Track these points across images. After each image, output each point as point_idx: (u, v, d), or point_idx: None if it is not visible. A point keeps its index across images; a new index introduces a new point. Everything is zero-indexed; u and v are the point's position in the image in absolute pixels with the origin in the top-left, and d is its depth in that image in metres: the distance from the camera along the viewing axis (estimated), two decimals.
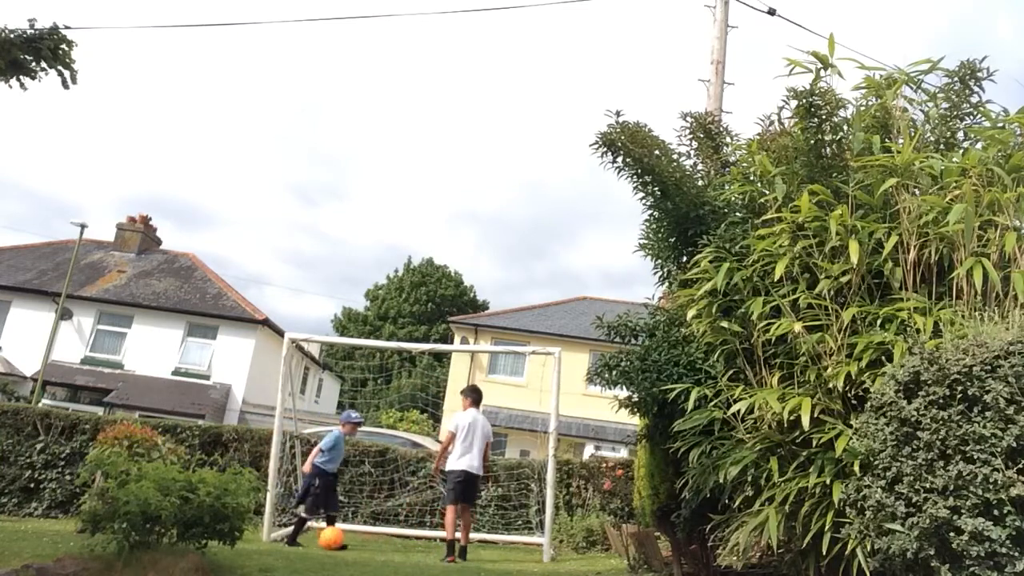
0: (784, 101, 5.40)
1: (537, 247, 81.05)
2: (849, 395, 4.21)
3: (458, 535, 7.98)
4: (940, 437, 3.27)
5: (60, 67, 6.31)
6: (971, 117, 5.28)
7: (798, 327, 4.37)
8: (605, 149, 5.90)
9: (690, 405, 4.90)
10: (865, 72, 5.38)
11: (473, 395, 8.58)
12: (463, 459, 7.98)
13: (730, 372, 4.94)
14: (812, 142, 5.14)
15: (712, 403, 4.86)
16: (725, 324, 4.99)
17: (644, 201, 6.21)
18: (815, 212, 4.61)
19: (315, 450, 9.06)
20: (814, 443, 4.08)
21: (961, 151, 4.86)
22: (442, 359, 31.79)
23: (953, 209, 4.07)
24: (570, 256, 79.65)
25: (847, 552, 3.62)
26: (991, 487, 3.09)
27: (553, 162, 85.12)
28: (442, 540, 9.81)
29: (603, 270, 77.97)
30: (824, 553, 3.78)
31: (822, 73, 5.12)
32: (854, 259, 4.27)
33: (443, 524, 10.45)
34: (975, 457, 3.16)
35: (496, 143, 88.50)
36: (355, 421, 9.45)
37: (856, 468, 3.65)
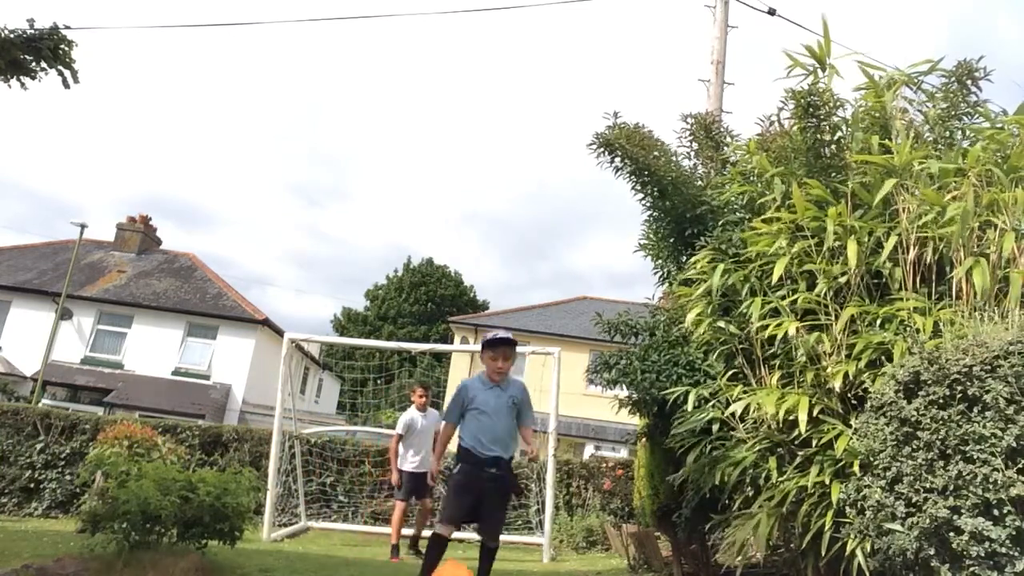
0: (783, 102, 5.40)
1: (541, 248, 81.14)
2: (848, 395, 4.21)
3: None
4: (940, 437, 3.27)
5: (60, 67, 6.32)
6: (969, 117, 5.28)
7: (793, 327, 4.36)
8: (603, 149, 5.91)
9: (689, 406, 4.90)
10: (865, 72, 5.38)
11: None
12: None
13: (730, 372, 4.94)
14: (811, 142, 5.15)
15: (711, 403, 4.86)
16: (722, 324, 4.99)
17: (643, 202, 6.22)
18: (813, 212, 4.61)
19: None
20: (814, 443, 4.08)
21: (958, 151, 4.85)
22: (442, 359, 31.78)
23: (949, 208, 4.07)
24: (574, 257, 79.72)
25: (847, 552, 3.62)
26: (991, 487, 3.09)
27: (557, 162, 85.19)
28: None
29: (607, 271, 78.05)
30: (823, 553, 3.78)
31: (820, 73, 5.13)
32: (852, 260, 4.27)
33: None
34: (975, 457, 3.16)
35: (499, 143, 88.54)
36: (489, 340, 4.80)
37: (856, 468, 3.65)
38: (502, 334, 4.75)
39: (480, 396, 4.64)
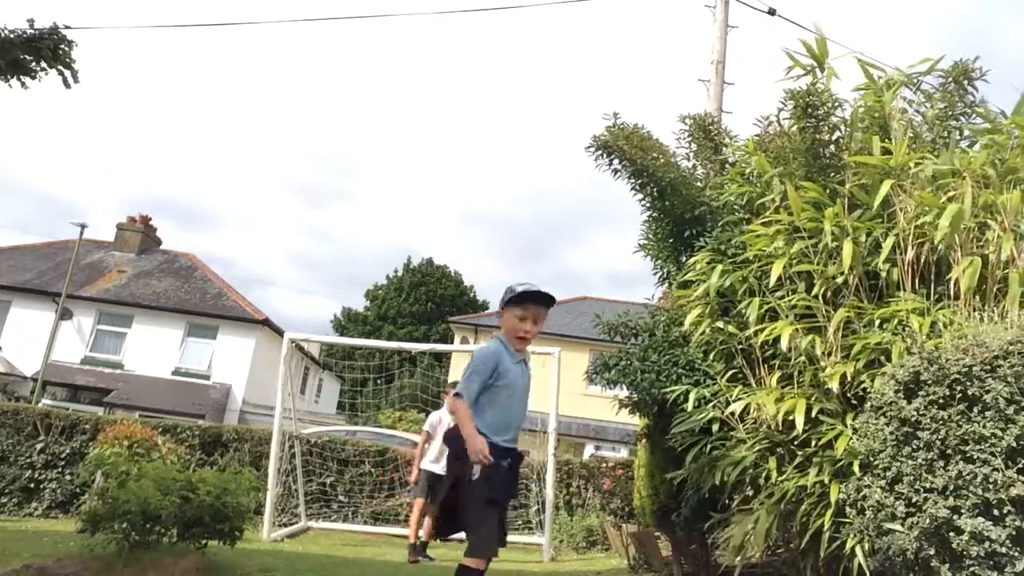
0: (782, 102, 5.40)
1: (541, 248, 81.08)
2: (848, 395, 4.21)
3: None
4: (940, 437, 3.27)
5: (60, 67, 6.34)
6: (966, 117, 5.28)
7: (788, 333, 4.35)
8: (601, 152, 5.90)
9: (689, 406, 4.90)
10: (864, 71, 5.38)
11: None
12: None
13: (729, 372, 4.94)
14: (809, 142, 5.15)
15: (711, 403, 4.87)
16: (721, 325, 4.99)
17: (643, 203, 6.22)
18: (810, 213, 4.61)
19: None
20: (813, 443, 4.08)
21: (955, 152, 4.85)
22: (442, 359, 31.78)
23: (945, 211, 4.07)
24: (574, 257, 79.71)
25: (846, 552, 3.62)
26: (991, 487, 3.09)
27: (558, 162, 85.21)
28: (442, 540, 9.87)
29: (608, 271, 78.06)
30: (823, 553, 3.78)
31: (818, 73, 5.13)
32: (847, 261, 4.27)
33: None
34: (975, 457, 3.17)
35: (500, 143, 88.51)
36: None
37: (855, 468, 3.65)
38: (538, 287, 3.52)
39: (512, 370, 3.45)
